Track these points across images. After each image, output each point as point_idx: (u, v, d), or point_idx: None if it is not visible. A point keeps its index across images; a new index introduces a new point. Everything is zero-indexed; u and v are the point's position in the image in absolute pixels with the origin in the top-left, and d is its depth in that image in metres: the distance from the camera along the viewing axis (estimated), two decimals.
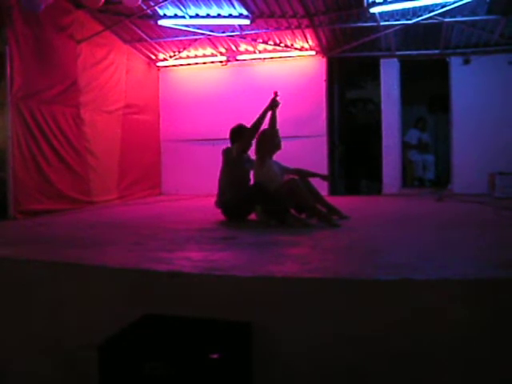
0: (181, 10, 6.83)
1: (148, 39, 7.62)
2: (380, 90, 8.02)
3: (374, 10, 6.43)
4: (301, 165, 5.21)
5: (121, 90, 7.44)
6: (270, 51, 7.88)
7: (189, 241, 3.65)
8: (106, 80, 7.07)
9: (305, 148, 7.60)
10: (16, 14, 5.37)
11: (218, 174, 5.03)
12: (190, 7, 6.81)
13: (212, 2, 6.67)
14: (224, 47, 7.93)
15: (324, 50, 7.78)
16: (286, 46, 7.70)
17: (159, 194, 8.47)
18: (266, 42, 7.65)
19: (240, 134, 4.93)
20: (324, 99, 7.93)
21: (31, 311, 2.70)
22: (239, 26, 7.15)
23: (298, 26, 7.11)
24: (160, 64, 8.44)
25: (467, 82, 7.50)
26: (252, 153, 4.90)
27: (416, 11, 6.69)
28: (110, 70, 7.22)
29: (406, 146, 8.44)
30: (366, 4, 6.38)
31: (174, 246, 3.41)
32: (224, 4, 6.67)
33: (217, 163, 5.08)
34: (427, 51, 7.62)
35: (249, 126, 4.81)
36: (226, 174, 4.95)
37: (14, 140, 5.41)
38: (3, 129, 5.41)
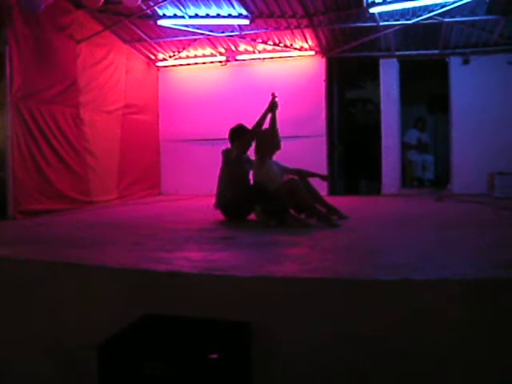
0: (180, 10, 6.83)
1: (147, 39, 7.62)
2: (379, 90, 8.02)
3: (373, 10, 6.43)
4: (300, 165, 5.20)
5: (120, 90, 7.44)
6: (269, 51, 7.88)
7: (188, 241, 3.65)
8: (105, 80, 7.07)
9: (304, 148, 7.60)
10: (16, 13, 5.37)
11: (218, 174, 5.04)
12: (189, 7, 6.81)
13: (211, 2, 6.67)
14: (223, 47, 7.93)
15: (323, 50, 7.78)
16: (286, 46, 7.70)
17: (158, 194, 8.47)
18: (265, 42, 7.65)
19: (239, 134, 4.93)
20: (323, 99, 7.93)
21: (31, 311, 2.70)
22: (238, 26, 7.15)
23: (298, 26, 7.11)
24: (159, 64, 8.44)
25: (467, 82, 7.51)
26: (252, 153, 4.91)
27: (415, 11, 6.69)
28: (110, 70, 7.22)
29: (405, 146, 8.44)
30: (365, 4, 6.38)
31: (173, 245, 3.41)
32: (223, 4, 6.67)
33: (216, 163, 5.08)
34: (427, 51, 7.62)
35: (248, 126, 4.82)
36: (226, 174, 4.95)
37: (13, 140, 5.40)
38: (3, 129, 5.41)
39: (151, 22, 7.04)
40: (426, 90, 9.22)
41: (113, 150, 7.29)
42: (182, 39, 7.68)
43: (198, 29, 7.32)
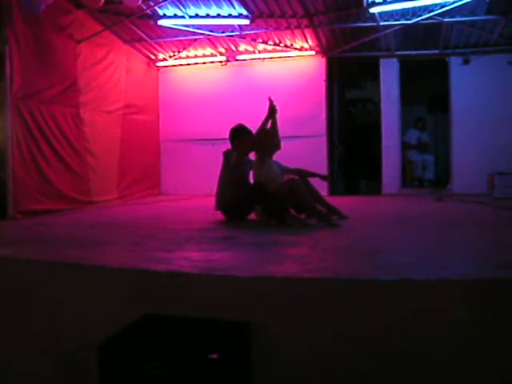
0: (180, 10, 6.83)
1: (148, 39, 7.62)
2: (380, 90, 8.02)
3: (373, 9, 6.43)
4: (300, 165, 5.20)
5: (120, 90, 7.44)
6: (269, 51, 7.88)
7: (188, 241, 3.64)
8: (105, 80, 7.07)
9: (304, 148, 7.60)
10: (16, 13, 5.37)
11: (218, 174, 5.04)
12: (189, 7, 6.81)
13: (211, 2, 6.68)
14: (223, 47, 7.94)
15: (324, 49, 7.78)
16: (286, 46, 7.70)
17: (159, 194, 8.47)
18: (265, 42, 7.65)
19: (239, 134, 4.93)
20: (324, 99, 7.93)
21: (31, 311, 2.70)
22: (239, 25, 7.15)
23: (298, 26, 7.11)
24: (160, 64, 8.44)
25: (467, 82, 7.51)
26: (251, 153, 4.91)
27: (415, 11, 6.69)
28: (110, 70, 7.22)
29: (405, 146, 8.44)
30: (365, 4, 6.39)
31: (173, 245, 3.41)
32: (223, 4, 6.68)
33: (216, 163, 5.08)
34: (427, 51, 7.63)
35: (248, 126, 4.82)
36: (226, 174, 4.95)
37: (13, 140, 5.40)
38: (3, 129, 5.41)
39: (151, 22, 7.05)
40: (426, 90, 9.23)
41: (113, 150, 7.29)
42: (182, 39, 7.68)
43: (198, 29, 7.32)
